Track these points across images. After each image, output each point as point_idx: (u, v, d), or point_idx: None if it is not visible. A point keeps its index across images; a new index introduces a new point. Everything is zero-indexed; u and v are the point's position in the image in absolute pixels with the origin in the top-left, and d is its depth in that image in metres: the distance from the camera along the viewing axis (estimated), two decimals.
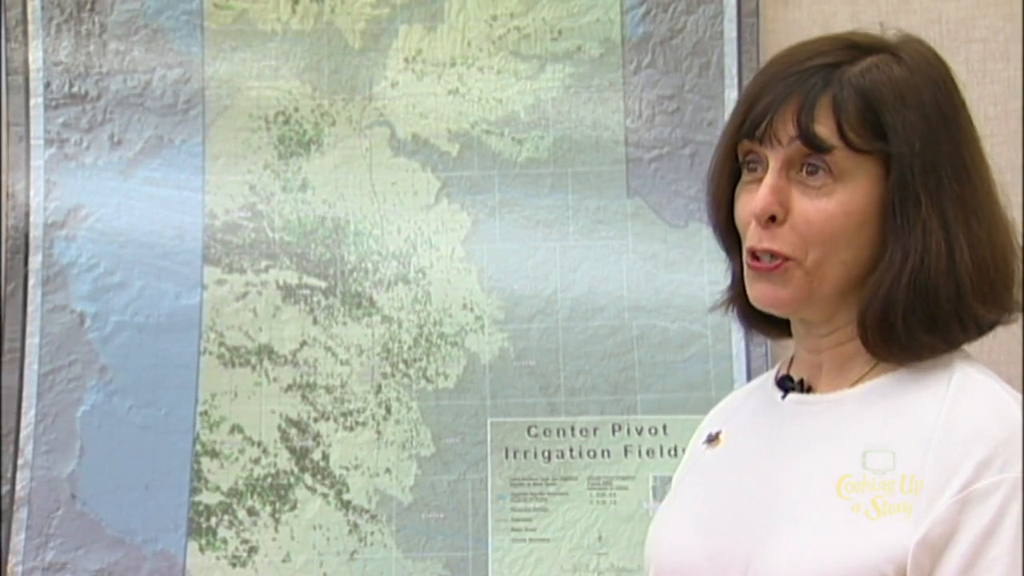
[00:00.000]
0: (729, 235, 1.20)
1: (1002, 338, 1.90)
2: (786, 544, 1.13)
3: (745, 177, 1.18)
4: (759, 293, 1.16)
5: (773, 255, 1.15)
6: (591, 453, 1.83)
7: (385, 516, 1.83)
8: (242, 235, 1.88)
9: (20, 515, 1.80)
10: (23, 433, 1.82)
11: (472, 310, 1.87)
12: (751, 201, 1.15)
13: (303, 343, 1.86)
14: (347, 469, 1.84)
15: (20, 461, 1.81)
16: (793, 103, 1.15)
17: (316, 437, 1.84)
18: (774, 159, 1.14)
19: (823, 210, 1.14)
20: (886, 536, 1.09)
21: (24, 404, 1.82)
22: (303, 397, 1.85)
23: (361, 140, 1.90)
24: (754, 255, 1.16)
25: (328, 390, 1.85)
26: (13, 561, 1.80)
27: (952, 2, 1.91)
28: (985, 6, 1.91)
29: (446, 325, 1.86)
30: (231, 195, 1.88)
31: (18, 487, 1.81)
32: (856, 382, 1.17)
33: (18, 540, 1.80)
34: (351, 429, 1.85)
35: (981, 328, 1.16)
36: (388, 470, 1.84)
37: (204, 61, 1.90)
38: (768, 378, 1.25)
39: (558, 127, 1.88)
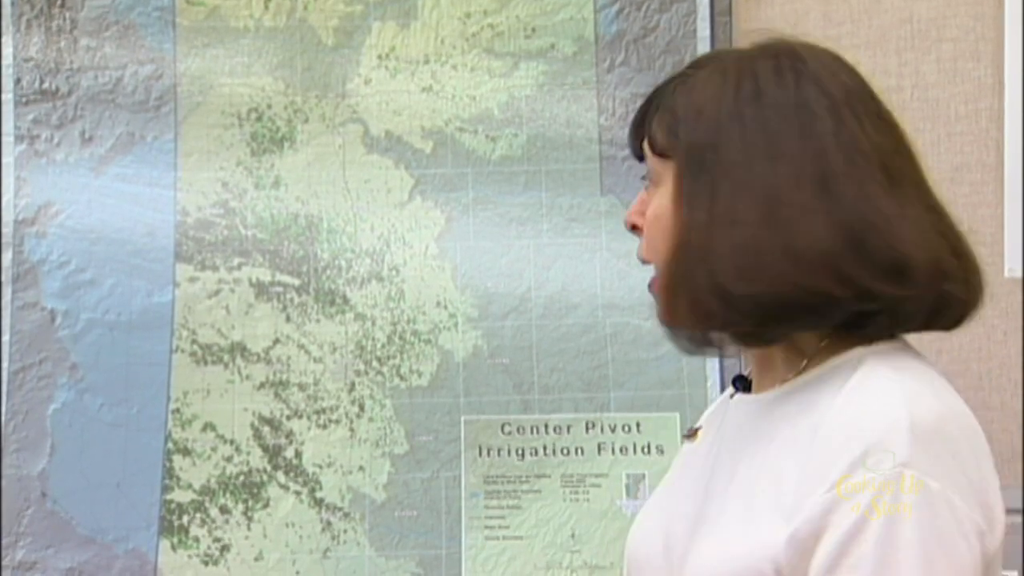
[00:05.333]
0: None
1: (974, 334, 1.92)
2: (703, 542, 1.15)
3: None
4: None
5: (644, 262, 1.22)
6: (564, 451, 1.83)
7: (358, 514, 1.83)
8: (214, 232, 1.87)
9: None
10: None
11: (446, 308, 1.87)
12: None
13: (276, 341, 1.85)
14: (320, 467, 1.83)
15: None
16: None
17: (289, 435, 1.84)
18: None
19: (647, 215, 1.21)
20: (763, 535, 1.08)
21: None
22: (276, 395, 1.84)
23: (334, 137, 1.89)
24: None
25: (301, 388, 1.85)
26: None
27: (923, 1, 1.93)
28: (956, 5, 1.92)
29: (420, 323, 1.86)
30: (203, 192, 1.88)
31: None
32: (783, 382, 1.17)
33: None
34: (324, 427, 1.84)
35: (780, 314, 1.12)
36: (361, 468, 1.84)
37: (176, 58, 1.89)
38: None
39: (532, 125, 1.88)
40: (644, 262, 1.21)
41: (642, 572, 1.24)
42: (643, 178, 1.24)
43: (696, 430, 1.28)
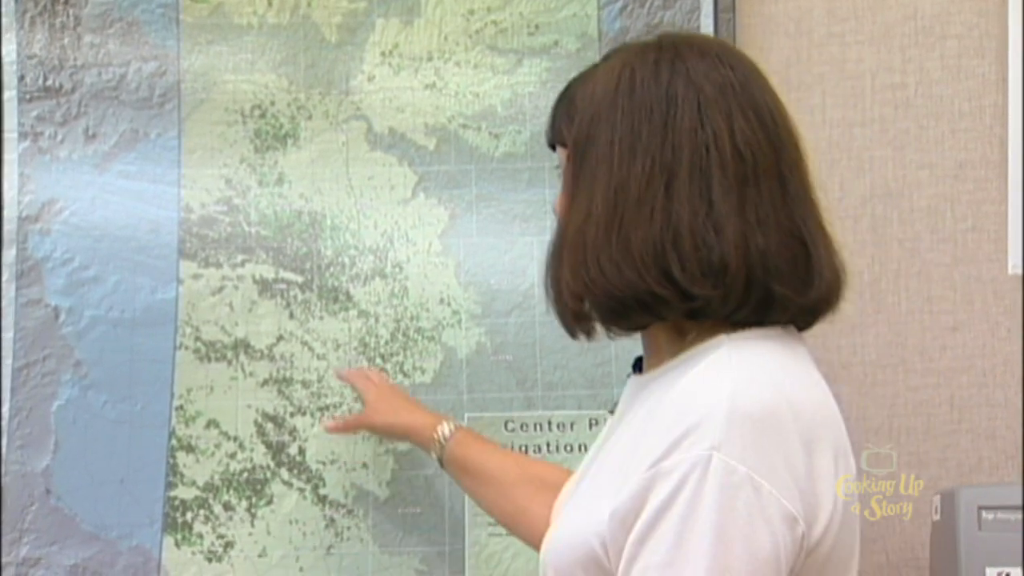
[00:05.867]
0: None
1: (978, 330, 1.92)
2: (562, 517, 1.22)
3: None
4: None
5: None
6: (568, 447, 1.83)
7: (362, 511, 1.83)
8: (218, 229, 1.87)
9: None
10: None
11: (449, 304, 1.87)
12: None
13: (279, 337, 1.85)
14: (323, 464, 1.84)
15: None
16: None
17: (292, 432, 1.84)
18: None
19: (557, 201, 1.28)
20: (596, 511, 1.13)
21: None
22: (279, 392, 1.85)
23: (338, 134, 1.89)
24: None
25: (305, 384, 1.85)
26: None
27: None
28: (960, 2, 1.92)
29: (423, 320, 1.86)
30: (207, 189, 1.88)
31: None
32: (661, 363, 1.21)
33: None
34: None
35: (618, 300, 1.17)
36: (365, 465, 1.84)
37: (180, 54, 1.89)
38: None
39: (535, 122, 1.88)
40: None
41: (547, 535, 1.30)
42: (556, 166, 1.30)
43: (616, 404, 1.31)
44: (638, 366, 1.28)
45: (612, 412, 1.31)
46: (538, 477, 1.59)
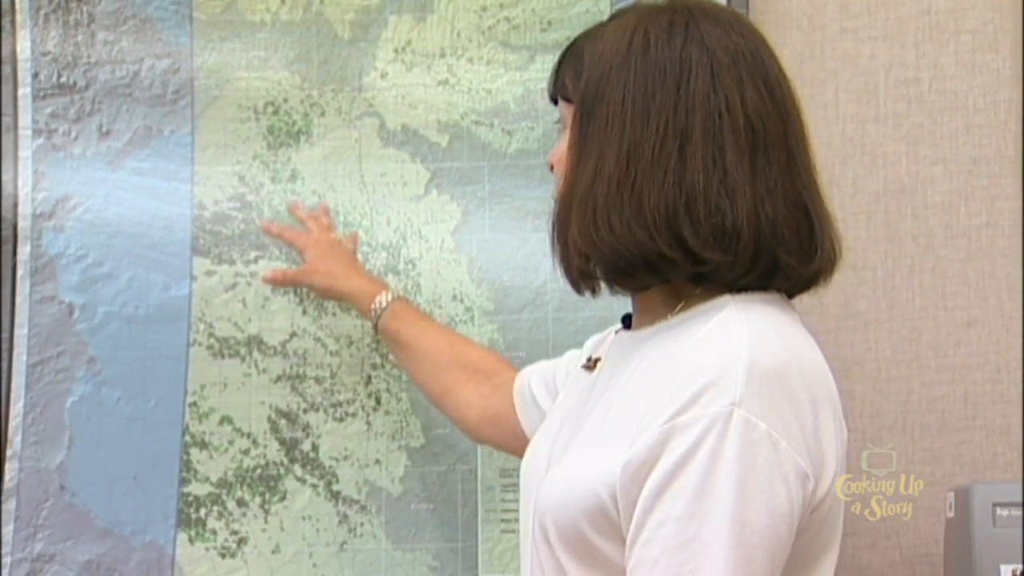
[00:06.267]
0: None
1: (992, 326, 1.91)
2: (559, 465, 1.22)
3: None
4: None
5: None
6: None
7: (375, 507, 1.83)
8: (231, 226, 1.87)
9: (8, 506, 1.80)
10: (11, 424, 1.81)
11: (462, 301, 1.87)
12: None
13: (293, 334, 1.86)
14: (337, 460, 1.84)
15: (8, 452, 1.81)
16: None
17: (306, 428, 1.84)
18: None
19: (554, 155, 1.30)
20: (605, 462, 1.14)
21: (12, 395, 1.82)
22: (293, 388, 1.85)
23: (350, 131, 1.89)
24: None
25: (318, 381, 1.85)
26: (2, 552, 1.79)
27: None
28: None
29: (436, 316, 1.86)
30: (220, 186, 1.88)
31: (6, 478, 1.80)
32: (656, 321, 1.23)
33: (7, 531, 1.79)
34: (341, 420, 1.85)
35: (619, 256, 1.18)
36: (378, 461, 1.84)
37: (193, 51, 1.89)
38: None
39: (548, 118, 1.88)
40: (555, 200, 1.28)
41: (526, 490, 1.31)
42: (556, 121, 1.31)
43: (596, 360, 1.33)
44: (627, 322, 1.30)
45: (590, 367, 1.32)
46: (471, 363, 1.64)
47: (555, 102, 1.31)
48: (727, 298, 1.18)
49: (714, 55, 1.18)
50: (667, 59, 1.18)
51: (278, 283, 1.80)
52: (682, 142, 1.16)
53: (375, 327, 1.71)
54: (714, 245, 1.16)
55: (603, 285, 1.24)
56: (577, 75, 1.24)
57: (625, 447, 1.12)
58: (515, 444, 1.58)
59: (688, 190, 1.16)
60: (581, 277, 1.23)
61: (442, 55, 1.90)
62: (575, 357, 1.50)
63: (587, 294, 1.25)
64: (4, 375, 1.82)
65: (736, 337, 1.13)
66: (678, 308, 1.21)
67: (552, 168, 1.31)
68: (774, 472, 1.08)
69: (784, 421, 1.10)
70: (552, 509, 1.18)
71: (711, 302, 1.19)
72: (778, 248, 1.17)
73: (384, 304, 1.69)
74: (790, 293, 1.24)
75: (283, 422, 1.84)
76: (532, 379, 1.58)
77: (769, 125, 1.19)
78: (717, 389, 1.09)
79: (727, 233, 1.16)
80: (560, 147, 1.28)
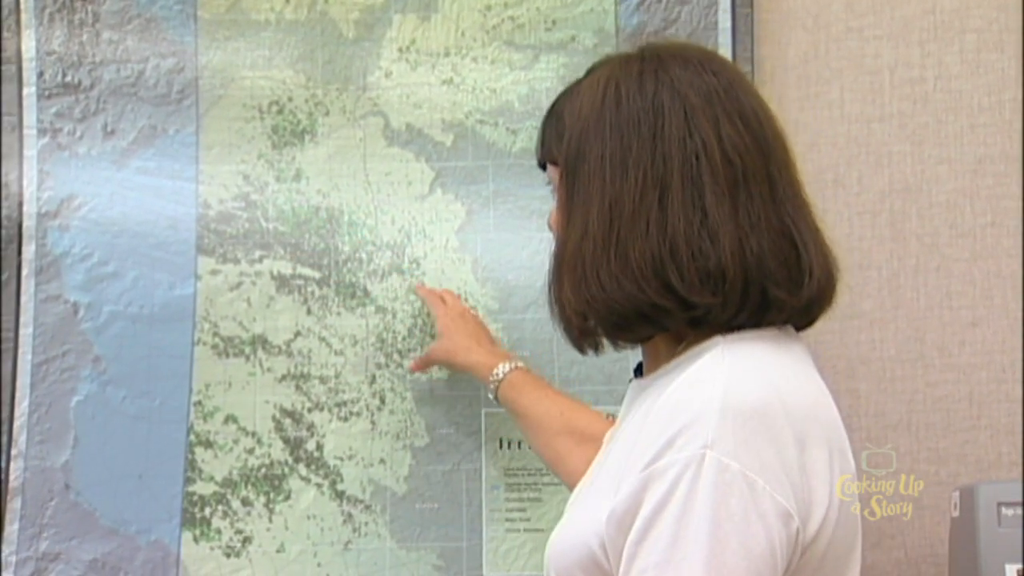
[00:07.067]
0: None
1: (997, 326, 1.91)
2: (565, 518, 1.23)
3: None
4: None
5: None
6: None
7: (379, 506, 1.83)
8: (236, 225, 1.88)
9: (14, 505, 1.80)
10: (17, 423, 1.81)
11: (466, 300, 1.87)
12: None
13: (297, 333, 1.86)
14: (341, 459, 1.84)
15: (14, 451, 1.81)
16: None
17: (310, 427, 1.84)
18: None
19: (552, 218, 1.30)
20: (595, 512, 1.14)
21: (17, 394, 1.82)
22: (297, 387, 1.85)
23: (355, 130, 1.89)
24: None
25: (322, 380, 1.85)
26: (7, 551, 1.79)
27: None
28: None
29: None
30: (225, 185, 1.88)
31: (12, 477, 1.80)
32: (659, 367, 1.23)
33: (12, 530, 1.80)
34: (345, 419, 1.85)
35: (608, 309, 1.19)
36: (382, 460, 1.84)
37: (198, 50, 1.89)
38: None
39: None
40: None
41: None
42: (548, 183, 1.32)
43: (615, 415, 1.35)
44: (639, 371, 1.30)
45: (613, 418, 1.34)
46: (578, 429, 1.63)
47: (543, 167, 1.32)
48: (717, 338, 1.18)
49: (686, 98, 1.19)
50: (640, 109, 1.19)
51: (422, 369, 1.82)
52: (661, 190, 1.17)
53: (495, 398, 1.72)
54: (702, 288, 1.16)
55: (605, 342, 1.25)
56: (559, 136, 1.25)
57: (611, 497, 1.13)
58: None
59: (671, 237, 1.16)
60: (582, 336, 1.24)
61: (446, 54, 1.90)
62: None
63: (590, 352, 1.26)
64: (9, 374, 1.82)
65: (713, 378, 1.13)
66: (677, 351, 1.21)
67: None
68: (749, 512, 1.07)
69: (761, 460, 1.08)
70: (554, 560, 1.19)
71: (703, 344, 1.19)
72: (766, 282, 1.17)
73: (500, 376, 1.70)
74: (796, 325, 1.23)
75: (288, 421, 1.84)
76: None
77: (748, 159, 1.19)
78: (691, 432, 1.09)
79: (712, 274, 1.16)
80: (554, 209, 1.29)
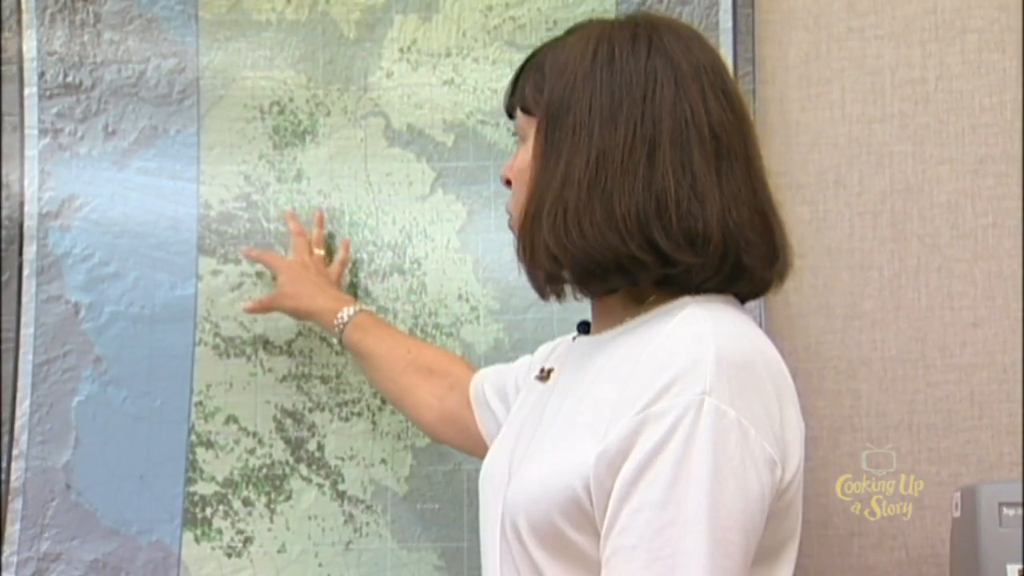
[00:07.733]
0: None
1: (999, 326, 1.91)
2: (527, 464, 1.24)
3: None
4: None
5: (509, 214, 1.33)
6: None
7: (380, 507, 1.83)
8: (237, 225, 1.88)
9: (15, 505, 1.80)
10: (18, 423, 1.82)
11: (467, 301, 1.87)
12: None
13: (298, 333, 1.86)
14: (342, 460, 1.84)
15: (15, 451, 1.81)
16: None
17: (311, 427, 1.84)
18: None
19: (511, 169, 1.33)
20: (577, 455, 1.16)
21: (19, 394, 1.82)
22: (298, 387, 1.85)
23: (356, 130, 1.90)
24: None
25: (323, 380, 1.85)
26: (8, 551, 1.80)
27: None
28: None
29: (441, 316, 1.86)
30: (226, 185, 1.88)
31: (13, 477, 1.81)
32: (616, 325, 1.27)
33: (13, 530, 1.80)
34: (346, 419, 1.85)
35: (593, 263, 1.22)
36: (383, 460, 1.84)
37: (199, 51, 1.89)
38: None
39: None
40: (509, 214, 1.34)
41: (487, 499, 1.33)
42: (513, 134, 1.34)
43: (549, 371, 1.37)
44: (585, 328, 1.34)
45: (544, 378, 1.36)
46: (425, 365, 1.67)
47: (511, 115, 1.35)
48: (686, 299, 1.22)
49: (678, 67, 1.23)
50: (633, 70, 1.23)
51: (257, 312, 1.81)
52: (651, 149, 1.20)
53: (340, 342, 1.73)
54: (685, 248, 1.20)
55: (567, 290, 1.28)
56: (539, 87, 1.28)
57: (598, 440, 1.15)
58: (472, 444, 1.62)
59: (658, 194, 1.19)
60: (548, 281, 1.27)
61: (447, 55, 1.90)
62: (527, 363, 1.54)
63: (552, 299, 1.29)
64: (10, 374, 1.82)
65: (703, 331, 1.16)
66: (640, 311, 1.25)
67: (509, 183, 1.34)
68: (745, 458, 1.12)
69: (752, 410, 1.13)
70: (525, 507, 1.20)
71: (672, 303, 1.23)
72: (743, 252, 1.22)
73: (345, 319, 1.72)
74: (744, 298, 1.28)
75: (289, 421, 1.84)
76: (486, 382, 1.62)
77: (731, 135, 1.23)
78: (688, 379, 1.12)
79: (698, 236, 1.20)
80: (518, 160, 1.32)
